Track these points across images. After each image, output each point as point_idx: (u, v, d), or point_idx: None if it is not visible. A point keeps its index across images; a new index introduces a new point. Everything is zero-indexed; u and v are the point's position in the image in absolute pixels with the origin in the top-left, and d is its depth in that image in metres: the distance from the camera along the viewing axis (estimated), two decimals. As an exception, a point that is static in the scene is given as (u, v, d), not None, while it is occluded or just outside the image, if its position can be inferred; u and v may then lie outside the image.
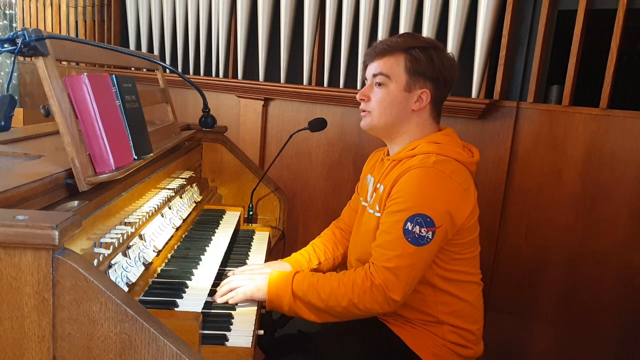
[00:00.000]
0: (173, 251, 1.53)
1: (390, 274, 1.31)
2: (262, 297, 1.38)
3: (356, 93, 1.53)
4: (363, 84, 1.66)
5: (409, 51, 1.43)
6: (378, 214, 1.45)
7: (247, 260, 1.68)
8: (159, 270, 1.38)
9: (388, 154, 1.57)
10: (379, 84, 1.46)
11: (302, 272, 1.42)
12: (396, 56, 1.44)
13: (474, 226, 1.44)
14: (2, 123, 1.03)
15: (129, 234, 1.30)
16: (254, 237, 1.91)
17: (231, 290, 1.37)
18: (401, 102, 1.45)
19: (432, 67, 1.42)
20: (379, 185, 1.49)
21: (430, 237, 1.32)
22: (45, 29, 4.38)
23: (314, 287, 1.35)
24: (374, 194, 1.51)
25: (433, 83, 1.44)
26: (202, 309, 1.21)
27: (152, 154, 1.39)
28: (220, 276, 1.50)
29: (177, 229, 1.61)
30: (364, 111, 1.51)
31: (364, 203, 1.60)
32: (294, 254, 1.72)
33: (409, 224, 1.32)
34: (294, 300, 1.36)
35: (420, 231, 1.31)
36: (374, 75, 1.47)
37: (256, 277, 1.40)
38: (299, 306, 1.37)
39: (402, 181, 1.37)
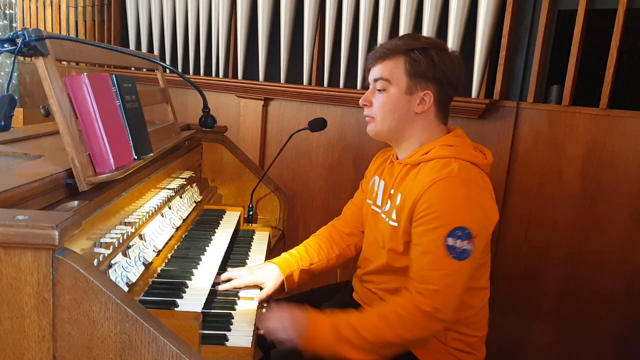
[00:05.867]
0: (173, 251, 1.53)
1: (439, 296, 1.26)
2: (301, 344, 1.29)
3: (356, 93, 1.52)
4: (363, 85, 1.65)
5: (409, 53, 1.40)
6: (395, 224, 1.41)
7: (247, 261, 1.68)
8: (159, 270, 1.38)
9: (397, 157, 1.54)
10: (380, 89, 1.44)
11: (339, 316, 1.30)
12: (396, 59, 1.41)
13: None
14: (2, 123, 1.03)
15: (129, 234, 1.30)
16: (254, 237, 1.91)
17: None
18: (403, 106, 1.42)
19: (434, 68, 1.39)
20: (393, 191, 1.46)
21: (470, 248, 1.27)
22: (45, 29, 4.37)
23: (355, 329, 1.26)
24: (389, 200, 1.47)
25: (436, 84, 1.41)
26: (202, 309, 1.21)
27: (152, 154, 1.39)
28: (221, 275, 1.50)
29: (177, 229, 1.61)
30: (368, 117, 1.49)
31: (375, 208, 1.55)
32: (283, 254, 1.65)
33: (450, 239, 1.26)
34: (337, 343, 1.26)
35: (462, 245, 1.26)
36: (375, 80, 1.45)
37: (295, 323, 1.30)
38: (343, 348, 1.26)
39: (430, 195, 1.31)
